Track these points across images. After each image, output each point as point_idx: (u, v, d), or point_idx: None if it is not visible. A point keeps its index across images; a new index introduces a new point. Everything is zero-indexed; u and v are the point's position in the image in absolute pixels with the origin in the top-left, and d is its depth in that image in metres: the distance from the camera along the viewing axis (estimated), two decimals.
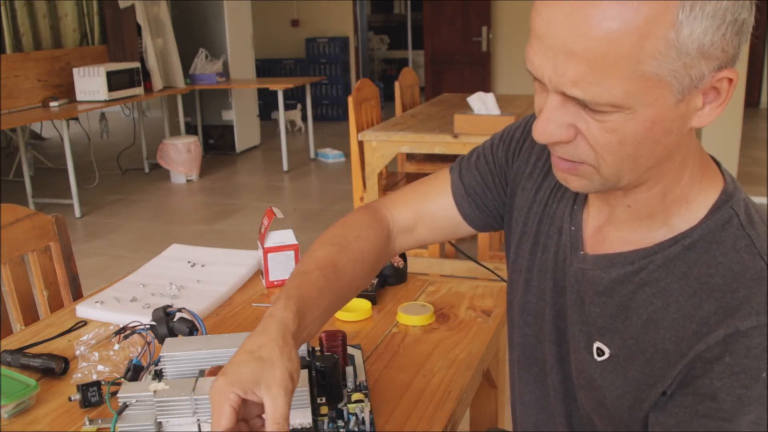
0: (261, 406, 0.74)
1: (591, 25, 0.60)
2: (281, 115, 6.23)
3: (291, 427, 0.92)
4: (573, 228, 0.83)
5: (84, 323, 1.35)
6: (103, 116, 6.12)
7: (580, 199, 0.85)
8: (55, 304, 1.60)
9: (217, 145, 7.04)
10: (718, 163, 0.77)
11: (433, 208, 1.02)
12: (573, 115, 0.67)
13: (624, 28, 0.59)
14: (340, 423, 0.96)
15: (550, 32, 0.63)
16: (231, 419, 0.71)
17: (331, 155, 6.61)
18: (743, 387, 0.63)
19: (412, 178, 3.77)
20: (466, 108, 3.34)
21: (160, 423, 0.91)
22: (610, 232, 0.79)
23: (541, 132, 0.69)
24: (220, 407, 0.72)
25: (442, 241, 1.10)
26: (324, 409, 0.98)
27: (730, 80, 0.64)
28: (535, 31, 0.65)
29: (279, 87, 6.10)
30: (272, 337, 0.76)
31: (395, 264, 1.47)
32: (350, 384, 1.05)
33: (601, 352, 0.77)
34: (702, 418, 0.65)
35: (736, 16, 0.61)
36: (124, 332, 1.17)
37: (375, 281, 1.42)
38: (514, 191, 0.95)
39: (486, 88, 7.59)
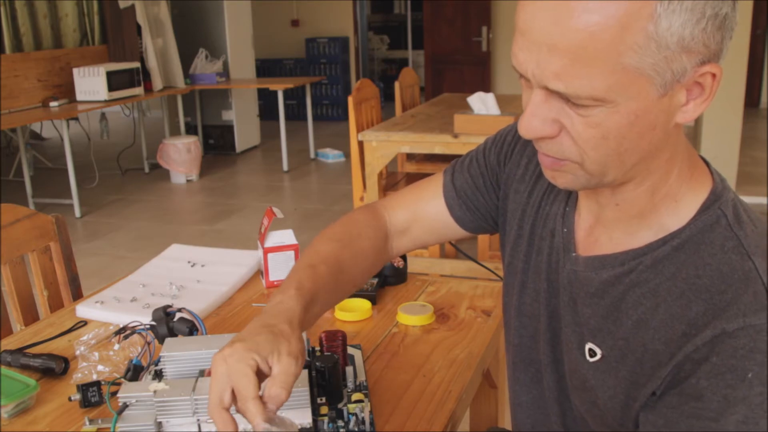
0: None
1: (572, 17, 0.60)
2: (281, 115, 6.23)
3: None
4: (565, 230, 0.84)
5: (84, 323, 1.35)
6: (103, 116, 6.12)
7: (572, 201, 0.85)
8: (55, 304, 1.60)
9: (217, 145, 7.04)
10: (707, 163, 0.77)
11: (426, 209, 1.03)
12: (557, 110, 0.67)
13: (604, 21, 0.60)
14: (340, 423, 0.96)
15: (535, 27, 0.63)
16: (256, 383, 0.72)
17: (331, 155, 6.61)
18: (729, 387, 0.63)
19: (412, 178, 3.77)
20: (466, 108, 3.34)
21: (160, 423, 0.91)
22: (601, 233, 0.79)
23: (526, 127, 0.69)
24: (243, 372, 0.72)
25: (437, 243, 1.11)
26: (324, 409, 0.98)
27: (714, 75, 0.64)
28: (520, 28, 0.66)
29: (279, 87, 6.11)
30: (283, 320, 0.79)
31: (395, 264, 1.47)
32: (350, 384, 1.05)
33: (593, 353, 0.77)
34: (689, 418, 0.65)
35: (717, 10, 0.61)
36: (124, 332, 1.17)
37: (375, 281, 1.42)
38: (507, 194, 0.96)
39: (486, 88, 7.58)
